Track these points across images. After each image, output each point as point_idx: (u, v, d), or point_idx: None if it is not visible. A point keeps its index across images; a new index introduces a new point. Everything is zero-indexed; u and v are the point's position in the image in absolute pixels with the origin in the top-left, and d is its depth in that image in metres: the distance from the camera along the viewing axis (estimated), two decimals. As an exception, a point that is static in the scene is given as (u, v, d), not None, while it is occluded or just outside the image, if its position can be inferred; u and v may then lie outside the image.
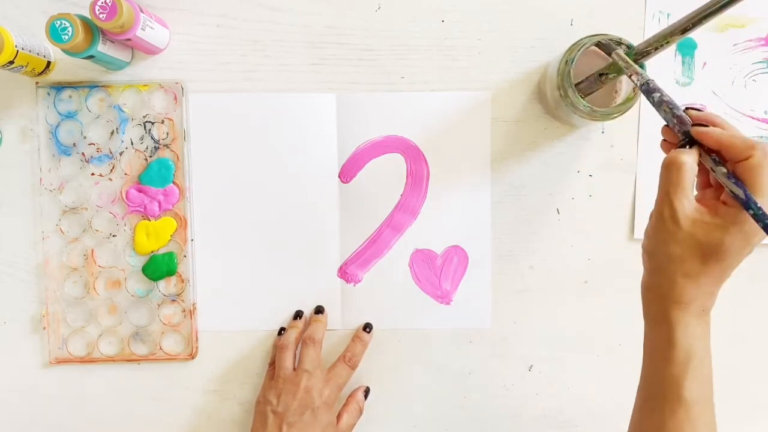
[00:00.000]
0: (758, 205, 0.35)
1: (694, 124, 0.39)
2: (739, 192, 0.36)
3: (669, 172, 0.38)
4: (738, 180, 0.36)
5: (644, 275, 0.42)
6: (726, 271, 0.38)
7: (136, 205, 0.58)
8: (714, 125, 0.38)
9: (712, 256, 0.37)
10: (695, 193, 0.40)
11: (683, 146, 0.39)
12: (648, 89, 0.41)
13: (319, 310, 0.59)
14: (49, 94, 0.57)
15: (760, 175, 0.36)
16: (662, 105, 0.40)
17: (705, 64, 0.57)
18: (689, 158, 0.37)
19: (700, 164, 0.38)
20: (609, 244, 0.59)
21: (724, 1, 0.38)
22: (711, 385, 0.39)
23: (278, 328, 0.59)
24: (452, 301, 0.59)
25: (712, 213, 0.37)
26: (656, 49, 0.44)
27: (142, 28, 0.51)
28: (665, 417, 0.39)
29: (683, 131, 0.39)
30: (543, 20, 0.57)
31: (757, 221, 0.35)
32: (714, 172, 0.37)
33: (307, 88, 0.58)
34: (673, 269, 0.38)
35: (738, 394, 0.60)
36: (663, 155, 0.39)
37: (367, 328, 0.58)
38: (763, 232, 0.35)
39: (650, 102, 0.41)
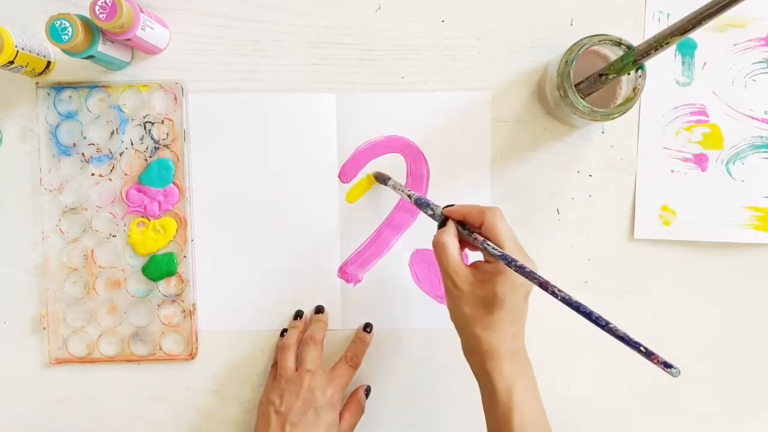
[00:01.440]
0: (505, 254, 0.42)
1: (445, 207, 0.48)
2: (491, 250, 0.43)
3: (437, 252, 0.45)
4: (486, 239, 0.44)
5: (461, 341, 0.47)
6: (513, 313, 0.44)
7: (136, 205, 0.58)
8: (461, 209, 0.46)
9: (493, 305, 0.43)
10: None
11: (442, 226, 0.47)
12: (419, 202, 0.50)
13: (319, 309, 0.59)
14: (49, 94, 0.57)
15: (497, 233, 0.43)
16: (422, 204, 0.50)
17: (705, 64, 0.57)
18: (447, 237, 0.45)
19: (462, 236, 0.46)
20: (609, 244, 0.59)
21: (724, 2, 0.38)
22: (538, 410, 0.44)
23: (278, 329, 0.59)
24: (452, 301, 0.59)
25: (481, 272, 0.45)
26: (656, 49, 0.44)
27: (142, 28, 0.51)
28: None
29: (439, 214, 0.48)
30: (543, 20, 0.57)
31: (510, 266, 0.41)
32: (473, 240, 0.45)
33: (307, 88, 0.58)
34: (471, 327, 0.44)
35: (738, 394, 0.60)
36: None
37: (368, 328, 0.58)
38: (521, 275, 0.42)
39: (417, 206, 0.50)
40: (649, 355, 0.35)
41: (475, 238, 0.45)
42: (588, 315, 0.37)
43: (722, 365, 0.60)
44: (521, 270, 0.41)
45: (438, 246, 0.45)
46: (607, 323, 0.37)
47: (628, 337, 0.36)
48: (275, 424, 0.52)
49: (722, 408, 0.60)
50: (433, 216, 0.49)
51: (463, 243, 0.47)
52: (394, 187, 0.55)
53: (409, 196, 0.52)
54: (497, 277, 0.43)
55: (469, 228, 0.46)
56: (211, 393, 0.59)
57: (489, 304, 0.43)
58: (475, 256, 0.50)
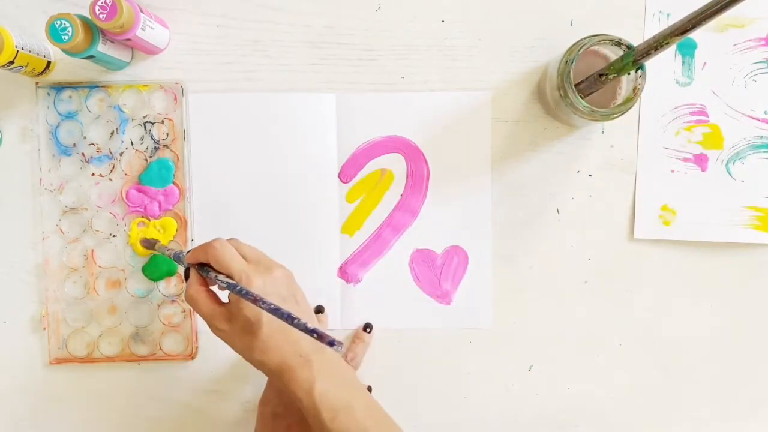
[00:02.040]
0: (229, 282, 0.43)
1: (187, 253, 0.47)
2: (219, 283, 0.43)
3: (192, 306, 0.46)
4: (219, 273, 0.44)
5: None
6: (275, 325, 0.43)
7: (136, 205, 0.58)
8: (192, 253, 0.46)
9: (253, 327, 0.43)
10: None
11: (186, 276, 0.47)
12: (176, 258, 0.49)
13: (319, 309, 0.59)
14: (49, 94, 0.57)
15: (223, 263, 0.44)
16: (177, 259, 0.49)
17: (705, 64, 0.57)
18: (191, 289, 0.45)
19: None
20: (609, 244, 0.59)
21: (724, 2, 0.38)
22: (351, 400, 0.44)
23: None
24: (452, 301, 0.59)
25: (230, 306, 0.45)
26: (656, 49, 0.44)
27: (142, 28, 0.51)
28: None
29: (184, 266, 0.47)
30: (543, 20, 0.57)
31: (233, 292, 0.42)
32: (207, 278, 0.45)
33: (307, 88, 0.58)
34: (252, 357, 0.44)
35: (738, 394, 0.60)
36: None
37: (368, 328, 0.58)
38: (258, 279, 0.43)
39: (175, 261, 0.50)
40: (320, 337, 0.37)
41: (209, 276, 0.45)
42: (283, 316, 0.39)
43: (722, 365, 0.60)
44: (239, 293, 0.42)
45: (189, 300, 0.46)
46: (292, 319, 0.38)
47: (305, 327, 0.37)
48: (275, 424, 0.52)
49: (722, 408, 0.60)
50: (183, 264, 0.48)
51: (212, 282, 0.47)
52: (160, 250, 0.54)
53: (168, 255, 0.51)
54: (240, 303, 0.43)
55: (207, 267, 0.46)
56: (211, 393, 0.59)
57: (250, 330, 0.43)
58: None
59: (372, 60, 0.58)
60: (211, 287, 0.46)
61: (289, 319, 0.38)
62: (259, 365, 0.45)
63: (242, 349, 0.45)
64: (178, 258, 0.49)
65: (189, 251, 0.47)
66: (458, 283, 0.59)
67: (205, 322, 0.46)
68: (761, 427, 0.60)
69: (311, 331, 0.37)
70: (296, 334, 0.44)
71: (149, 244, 0.56)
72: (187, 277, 0.47)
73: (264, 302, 0.40)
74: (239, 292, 0.42)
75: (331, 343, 0.36)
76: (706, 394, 0.60)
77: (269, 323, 0.43)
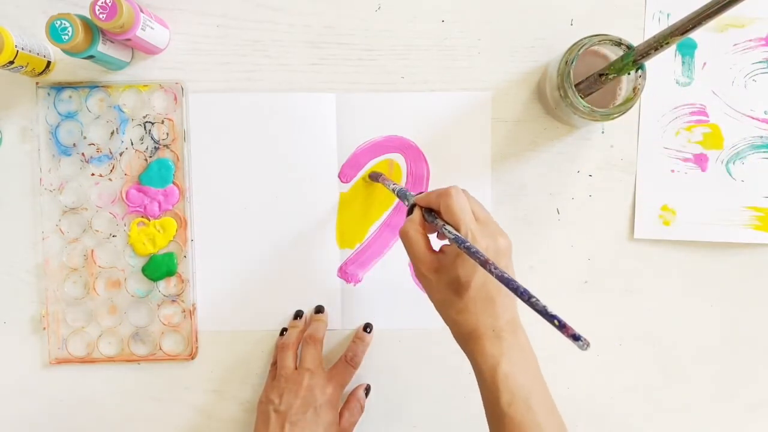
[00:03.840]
0: (456, 236, 0.41)
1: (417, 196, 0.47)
2: (446, 233, 0.42)
3: (403, 242, 0.45)
4: (446, 223, 0.43)
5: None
6: (485, 292, 0.43)
7: (136, 205, 0.58)
8: (425, 195, 0.46)
9: (459, 288, 0.42)
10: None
11: (409, 213, 0.46)
12: (399, 194, 0.50)
13: (319, 309, 0.59)
14: (49, 94, 0.57)
15: (453, 214, 0.42)
16: (401, 195, 0.50)
17: (705, 64, 0.57)
18: (410, 226, 0.45)
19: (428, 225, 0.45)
20: (609, 244, 0.59)
21: (724, 2, 0.38)
22: (528, 385, 0.42)
23: (278, 329, 0.59)
24: (452, 301, 0.59)
25: (445, 256, 0.44)
26: (656, 49, 0.44)
27: (142, 28, 0.51)
28: None
29: (409, 203, 0.47)
30: (543, 20, 0.57)
31: (460, 247, 0.40)
32: (436, 225, 0.44)
33: (307, 88, 0.58)
34: (447, 313, 0.44)
35: (738, 394, 0.60)
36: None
37: (368, 328, 0.58)
38: (484, 241, 0.41)
39: (398, 197, 0.50)
40: (562, 327, 0.35)
41: (436, 224, 0.44)
42: (515, 290, 0.36)
43: (722, 365, 0.60)
44: (467, 250, 0.40)
45: (402, 236, 0.45)
46: (530, 297, 0.36)
47: (545, 310, 0.36)
48: (275, 423, 0.52)
49: (722, 408, 0.60)
50: (407, 205, 0.48)
51: (434, 229, 0.46)
52: (385, 183, 0.54)
53: (393, 189, 0.52)
54: (457, 260, 0.42)
55: (435, 213, 0.45)
56: (211, 393, 0.59)
57: (456, 289, 0.42)
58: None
59: (372, 60, 0.58)
60: (430, 234, 0.45)
61: (525, 295, 0.36)
62: (452, 323, 0.44)
63: (440, 302, 0.44)
64: (403, 194, 0.49)
65: (420, 193, 0.47)
66: (458, 283, 0.59)
67: (412, 262, 0.45)
68: (761, 427, 0.60)
69: (552, 317, 0.35)
70: (498, 308, 0.43)
71: (374, 176, 0.56)
72: (409, 213, 0.46)
73: (496, 268, 0.38)
74: (469, 249, 0.40)
75: (576, 337, 0.34)
76: (705, 394, 0.60)
77: (477, 288, 0.42)
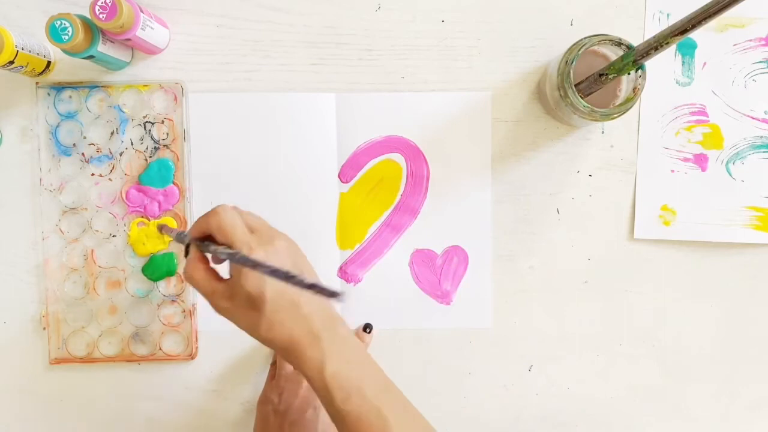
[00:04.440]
0: (229, 253, 0.40)
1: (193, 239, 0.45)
2: (219, 254, 0.41)
3: (192, 285, 0.44)
4: (220, 245, 0.42)
5: None
6: (283, 299, 0.41)
7: (136, 205, 0.58)
8: (194, 226, 0.44)
9: (256, 302, 0.41)
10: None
11: (186, 254, 0.45)
12: (177, 238, 0.47)
13: (318, 310, 0.59)
14: (49, 94, 0.57)
15: (224, 232, 0.41)
16: (176, 237, 0.48)
17: (705, 64, 0.57)
18: (191, 267, 0.43)
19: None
20: (609, 244, 0.59)
21: (724, 2, 0.38)
22: (363, 380, 0.42)
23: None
24: (452, 301, 0.59)
25: (231, 281, 0.42)
26: (656, 49, 0.44)
27: (142, 28, 0.51)
28: None
29: (185, 244, 0.45)
30: (543, 20, 0.57)
31: (234, 261, 0.40)
32: (212, 253, 0.43)
33: (307, 88, 0.58)
34: (258, 334, 0.42)
35: (738, 394, 0.60)
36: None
37: (368, 328, 0.58)
38: (260, 251, 0.41)
39: (177, 240, 0.48)
40: (320, 290, 0.35)
41: (209, 250, 0.43)
42: (285, 277, 0.36)
43: (722, 365, 0.60)
44: (240, 262, 0.40)
45: (188, 280, 0.44)
46: (289, 275, 0.36)
47: (312, 284, 0.35)
48: (274, 422, 0.53)
49: (722, 408, 0.60)
50: (184, 243, 0.46)
51: (215, 258, 0.45)
52: (167, 232, 0.53)
53: (173, 236, 0.50)
54: (241, 278, 0.41)
55: (210, 240, 0.43)
56: (211, 393, 0.59)
57: (253, 305, 0.41)
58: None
59: (372, 60, 0.58)
60: (212, 265, 0.45)
61: (287, 277, 0.36)
62: (267, 342, 0.43)
63: (247, 327, 0.42)
64: (179, 237, 0.48)
65: (193, 224, 0.45)
66: (458, 283, 0.59)
67: (208, 302, 0.43)
68: (761, 427, 0.60)
69: (310, 286, 0.35)
70: (304, 310, 0.42)
71: (160, 229, 0.55)
72: (186, 255, 0.45)
73: (263, 266, 0.38)
74: (238, 260, 0.40)
75: (333, 294, 0.34)
76: (706, 394, 0.60)
77: (273, 298, 0.41)
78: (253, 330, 0.42)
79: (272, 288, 0.41)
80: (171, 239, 0.56)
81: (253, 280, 0.41)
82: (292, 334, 0.41)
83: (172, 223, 0.58)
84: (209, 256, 0.44)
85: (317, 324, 0.42)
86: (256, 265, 0.38)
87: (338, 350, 0.42)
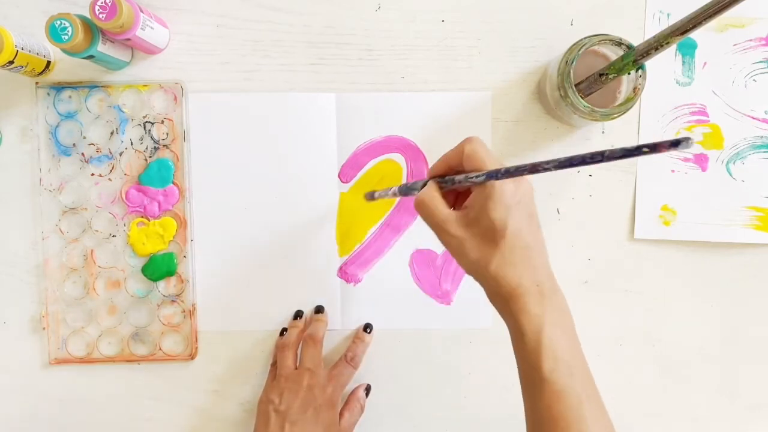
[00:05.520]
0: (488, 171, 0.39)
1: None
2: (474, 178, 0.40)
3: (421, 213, 0.42)
4: (469, 173, 0.41)
5: (483, 289, 0.43)
6: (522, 238, 0.40)
7: (136, 205, 0.58)
8: (442, 158, 0.43)
9: (496, 235, 0.39)
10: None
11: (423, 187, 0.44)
12: (404, 192, 0.48)
13: (318, 309, 0.59)
14: (48, 94, 0.57)
15: (477, 158, 0.40)
16: (407, 190, 0.48)
17: (705, 64, 0.57)
18: (426, 193, 0.42)
19: (447, 195, 0.43)
20: (609, 244, 0.59)
21: (724, 2, 0.38)
22: (571, 350, 0.40)
23: (278, 329, 0.59)
24: (452, 301, 0.59)
25: (470, 208, 0.41)
26: (656, 49, 0.44)
27: (142, 28, 0.51)
28: (536, 400, 0.40)
29: (421, 184, 0.45)
30: (543, 20, 0.57)
31: (499, 177, 0.38)
32: (456, 183, 0.42)
33: (307, 88, 0.58)
34: (485, 270, 0.40)
35: (738, 394, 0.60)
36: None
37: (368, 328, 0.58)
38: (510, 184, 0.39)
39: (404, 195, 0.49)
40: (655, 147, 0.28)
41: (457, 179, 0.42)
42: (588, 160, 0.33)
43: (722, 365, 0.60)
44: (509, 173, 0.37)
45: (419, 205, 0.42)
46: (603, 153, 0.32)
47: (626, 148, 0.30)
48: (275, 423, 0.52)
49: (722, 408, 0.60)
50: (418, 190, 0.46)
51: (454, 201, 0.44)
52: (383, 195, 0.53)
53: (394, 194, 0.50)
54: (488, 204, 0.39)
55: (455, 172, 0.43)
56: (211, 393, 0.59)
57: (491, 237, 0.39)
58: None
59: (372, 60, 0.58)
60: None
61: (571, 161, 0.33)
62: (492, 280, 0.40)
63: (477, 259, 0.40)
64: (406, 188, 0.47)
65: (435, 164, 0.44)
66: (458, 283, 0.59)
67: (432, 230, 0.42)
68: (761, 427, 0.60)
69: (638, 148, 0.29)
70: (535, 260, 0.40)
71: (369, 196, 0.55)
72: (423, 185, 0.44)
73: (546, 163, 0.35)
74: (506, 172, 0.37)
75: (675, 143, 0.26)
76: (706, 394, 0.60)
77: (514, 234, 0.39)
78: (482, 264, 0.40)
79: (514, 224, 0.39)
80: (391, 198, 0.54)
81: (500, 210, 0.39)
82: (521, 280, 0.40)
83: (172, 224, 0.58)
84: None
85: (544, 278, 0.40)
86: (519, 168, 0.36)
87: (558, 316, 0.40)
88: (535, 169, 0.36)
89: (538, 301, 0.39)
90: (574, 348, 0.40)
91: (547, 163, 0.35)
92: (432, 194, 0.42)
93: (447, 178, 0.42)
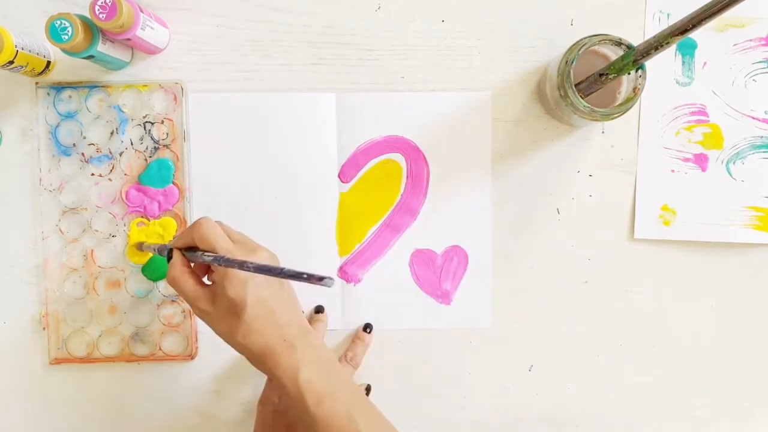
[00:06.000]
0: (215, 256, 0.42)
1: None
2: (205, 258, 0.43)
3: (175, 288, 0.45)
4: (205, 252, 0.44)
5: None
6: (263, 307, 0.43)
7: (136, 205, 0.58)
8: (179, 236, 0.47)
9: (237, 308, 0.43)
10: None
11: (169, 260, 0.46)
12: (160, 252, 0.49)
13: (318, 309, 0.59)
14: (48, 94, 0.57)
15: (208, 239, 0.43)
16: (158, 249, 0.50)
17: (705, 64, 0.57)
18: (173, 270, 0.45)
19: (200, 266, 0.47)
20: (609, 244, 0.59)
21: (724, 2, 0.38)
22: (330, 382, 0.44)
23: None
24: (452, 301, 0.59)
25: (213, 286, 0.44)
26: (656, 49, 0.44)
27: (142, 28, 0.51)
28: None
29: (167, 252, 0.47)
30: (543, 20, 0.57)
31: (220, 264, 0.42)
32: (193, 259, 0.45)
33: (307, 88, 0.58)
34: (234, 340, 0.44)
35: (738, 394, 0.60)
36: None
37: (368, 328, 0.58)
38: (242, 272, 0.42)
39: (158, 254, 0.50)
40: (308, 278, 0.36)
41: (194, 255, 0.45)
42: (275, 272, 0.38)
43: (722, 365, 0.60)
44: (226, 262, 0.41)
45: (171, 283, 0.45)
46: (281, 270, 0.38)
47: (292, 272, 0.37)
48: (275, 423, 0.52)
49: (722, 408, 0.60)
50: (168, 257, 0.48)
51: (199, 266, 0.47)
52: (145, 249, 0.55)
53: (153, 250, 0.52)
54: (225, 283, 0.43)
55: (193, 249, 0.45)
56: (211, 393, 0.59)
57: (234, 311, 0.43)
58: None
59: (372, 60, 0.58)
60: (198, 273, 0.46)
61: (272, 270, 0.38)
62: (242, 348, 0.44)
63: (226, 332, 0.44)
64: (161, 250, 0.49)
65: (174, 237, 0.47)
66: (458, 283, 0.59)
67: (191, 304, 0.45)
68: (761, 427, 0.60)
69: (300, 275, 0.36)
70: (281, 320, 0.44)
71: (138, 247, 0.57)
72: (169, 260, 0.47)
73: (250, 263, 0.39)
74: (225, 261, 0.41)
75: (321, 279, 0.35)
76: (706, 394, 0.60)
77: (254, 305, 0.43)
78: (230, 335, 0.44)
79: (253, 296, 0.43)
80: (153, 254, 0.57)
81: (236, 286, 0.42)
82: (268, 342, 0.43)
83: (172, 224, 0.58)
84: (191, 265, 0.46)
85: (292, 333, 0.44)
86: (242, 264, 0.40)
87: (312, 358, 0.44)
88: (241, 266, 0.40)
89: (289, 353, 0.43)
90: (336, 380, 0.44)
91: (251, 263, 0.39)
92: (180, 270, 0.45)
93: (190, 251, 0.45)
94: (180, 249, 0.46)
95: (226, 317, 0.43)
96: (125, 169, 0.58)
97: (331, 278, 0.35)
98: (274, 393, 0.54)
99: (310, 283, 0.36)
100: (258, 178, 0.58)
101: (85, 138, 0.57)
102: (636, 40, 0.48)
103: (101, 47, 0.51)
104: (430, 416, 0.60)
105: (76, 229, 0.58)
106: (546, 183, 0.58)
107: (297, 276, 0.37)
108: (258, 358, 0.44)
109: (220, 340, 0.59)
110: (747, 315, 0.59)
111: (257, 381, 0.59)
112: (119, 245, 0.58)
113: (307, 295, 0.59)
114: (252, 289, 0.43)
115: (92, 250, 0.58)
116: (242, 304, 0.42)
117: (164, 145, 0.58)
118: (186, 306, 0.58)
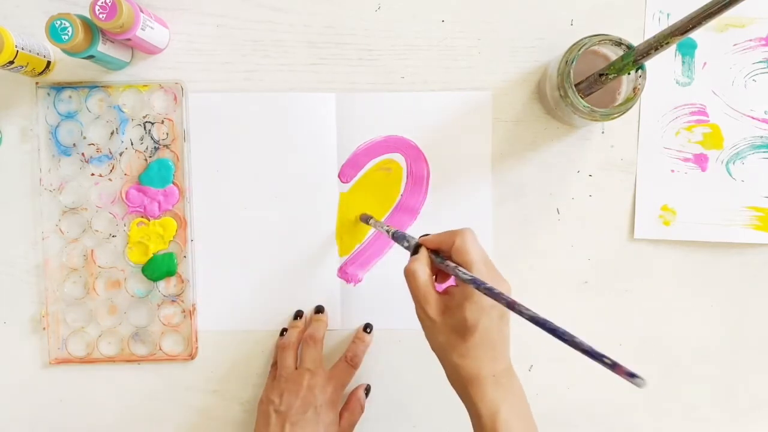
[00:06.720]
0: (474, 278, 0.41)
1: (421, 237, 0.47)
2: (461, 274, 0.41)
3: (408, 281, 0.44)
4: (458, 265, 0.42)
5: (444, 369, 0.46)
6: (489, 337, 0.43)
7: (136, 205, 0.58)
8: (435, 236, 0.46)
9: (466, 332, 0.42)
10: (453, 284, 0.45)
11: (415, 254, 0.46)
12: (395, 236, 0.50)
13: (319, 309, 0.59)
14: (49, 94, 0.57)
15: (466, 254, 0.42)
16: (398, 237, 0.49)
17: (705, 64, 0.57)
18: (416, 264, 0.44)
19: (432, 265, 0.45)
20: (609, 244, 0.59)
21: (724, 2, 0.38)
22: (526, 430, 0.43)
23: (278, 329, 0.59)
24: (452, 301, 0.59)
25: (451, 298, 0.43)
26: (656, 49, 0.44)
27: (142, 28, 0.51)
28: None
29: (413, 245, 0.46)
30: (543, 20, 0.57)
31: (479, 289, 0.40)
32: (445, 266, 0.44)
33: (307, 88, 0.58)
34: (449, 356, 0.43)
35: (738, 394, 0.60)
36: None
37: (368, 328, 0.58)
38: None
39: (394, 240, 0.50)
40: (613, 366, 0.32)
41: (447, 265, 0.43)
42: (554, 331, 0.36)
43: (722, 365, 0.60)
44: (489, 292, 0.39)
45: (408, 274, 0.44)
46: (573, 338, 0.35)
47: (592, 349, 0.34)
48: (275, 423, 0.52)
49: (722, 408, 0.60)
50: (408, 248, 0.48)
51: (440, 273, 0.46)
52: (375, 226, 0.55)
53: (387, 231, 0.51)
54: (465, 303, 0.42)
55: (443, 255, 0.45)
56: (211, 393, 0.59)
57: (461, 332, 0.42)
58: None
59: (372, 60, 0.58)
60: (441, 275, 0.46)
61: (565, 336, 0.35)
62: (452, 367, 0.44)
63: (443, 346, 0.44)
64: (400, 236, 0.48)
65: (425, 235, 0.46)
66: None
67: (415, 303, 0.44)
68: (761, 427, 0.60)
69: (600, 357, 0.33)
70: (497, 353, 0.43)
71: (365, 218, 0.56)
72: (413, 253, 0.46)
73: (527, 309, 0.37)
74: (491, 291, 0.39)
75: (631, 374, 0.31)
76: (706, 394, 0.60)
77: (482, 333, 0.42)
78: (445, 351, 0.44)
79: (484, 323, 0.42)
80: (382, 232, 0.55)
81: (476, 311, 0.42)
82: (480, 372, 0.43)
83: (172, 224, 0.58)
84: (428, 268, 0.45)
85: (501, 369, 0.43)
86: (513, 305, 0.38)
87: (513, 401, 0.43)
88: (511, 306, 0.38)
89: (495, 389, 0.43)
90: (528, 424, 0.44)
91: (527, 309, 0.37)
92: (423, 269, 0.44)
93: (440, 259, 0.44)
94: (429, 249, 0.45)
95: (450, 333, 0.43)
96: (125, 169, 0.58)
97: (643, 379, 0.30)
98: (274, 393, 0.54)
99: (614, 372, 0.32)
100: (258, 178, 0.58)
101: (85, 138, 0.58)
102: (636, 40, 0.48)
103: (101, 47, 0.51)
104: (430, 416, 0.60)
105: (76, 229, 0.58)
106: (546, 183, 0.58)
107: (596, 356, 0.33)
108: (463, 382, 0.43)
109: (220, 340, 0.59)
110: (747, 315, 0.59)
111: (257, 381, 0.59)
112: (119, 245, 0.58)
113: (307, 294, 0.59)
114: (486, 319, 0.42)
115: (92, 250, 0.58)
116: (473, 330, 0.42)
117: (164, 145, 0.58)
118: (186, 306, 0.58)
